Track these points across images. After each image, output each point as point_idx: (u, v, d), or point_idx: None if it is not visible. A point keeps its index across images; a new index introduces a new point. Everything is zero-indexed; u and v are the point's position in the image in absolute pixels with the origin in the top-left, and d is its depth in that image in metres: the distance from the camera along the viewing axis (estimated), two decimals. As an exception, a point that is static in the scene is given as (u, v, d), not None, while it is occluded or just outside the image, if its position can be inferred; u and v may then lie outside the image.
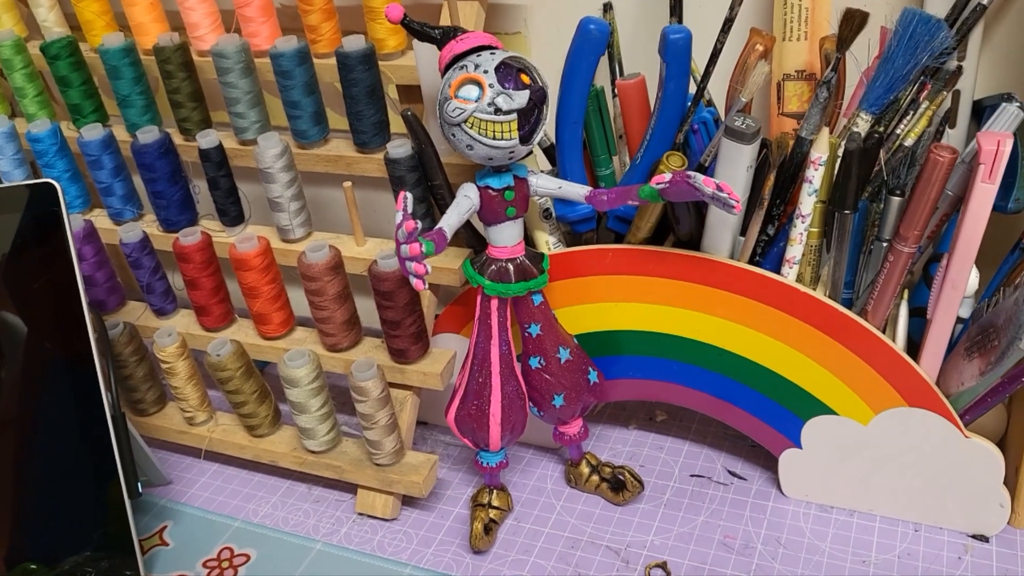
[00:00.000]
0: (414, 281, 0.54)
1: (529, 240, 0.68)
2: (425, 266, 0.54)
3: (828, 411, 0.64)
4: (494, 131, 0.56)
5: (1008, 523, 0.64)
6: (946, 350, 0.61)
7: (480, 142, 0.56)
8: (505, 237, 0.62)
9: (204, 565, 0.69)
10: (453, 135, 0.57)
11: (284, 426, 0.76)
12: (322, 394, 0.69)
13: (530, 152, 0.60)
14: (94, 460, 0.65)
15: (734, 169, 0.58)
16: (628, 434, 0.78)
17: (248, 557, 0.69)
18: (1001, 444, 0.66)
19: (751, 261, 0.64)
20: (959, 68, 0.61)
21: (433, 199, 0.68)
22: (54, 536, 0.65)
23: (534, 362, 0.65)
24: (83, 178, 0.81)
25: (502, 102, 0.55)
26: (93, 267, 0.75)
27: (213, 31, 0.75)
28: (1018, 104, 0.58)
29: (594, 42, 0.61)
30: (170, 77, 0.74)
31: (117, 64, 0.75)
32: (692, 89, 0.63)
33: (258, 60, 0.73)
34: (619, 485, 0.70)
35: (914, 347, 0.63)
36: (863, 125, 0.60)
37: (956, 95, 0.63)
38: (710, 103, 0.67)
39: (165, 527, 0.73)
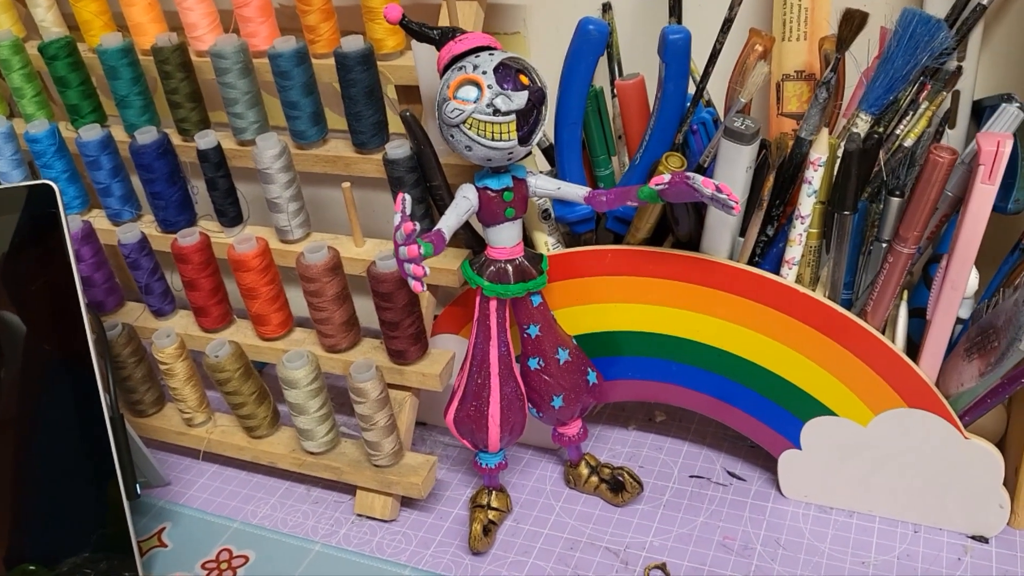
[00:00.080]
0: (412, 283, 0.54)
1: (528, 241, 0.68)
2: (423, 268, 0.53)
3: (827, 412, 0.64)
4: (493, 132, 0.55)
5: (1008, 524, 0.64)
6: (946, 351, 0.61)
7: (479, 143, 0.56)
8: (504, 238, 0.62)
9: (203, 567, 0.69)
10: (452, 136, 0.57)
11: (283, 427, 0.76)
12: (321, 395, 0.69)
13: (529, 153, 0.60)
14: (93, 461, 0.65)
15: (733, 170, 0.58)
16: (627, 435, 0.78)
17: (247, 558, 0.69)
18: (1001, 445, 0.66)
19: (750, 262, 0.64)
20: (959, 68, 0.60)
21: (432, 200, 0.68)
22: (53, 537, 0.65)
23: (533, 363, 0.65)
24: (81, 179, 0.80)
25: (501, 103, 0.55)
26: (91, 268, 0.75)
27: (211, 31, 0.75)
28: (1018, 104, 0.58)
29: (593, 43, 0.61)
30: (168, 77, 0.74)
31: (115, 64, 0.75)
32: (691, 89, 0.63)
33: (257, 60, 0.73)
34: (618, 486, 0.70)
35: (914, 348, 0.63)
36: (862, 126, 0.60)
37: (956, 95, 0.63)
38: (709, 103, 0.66)
39: (164, 528, 0.73)
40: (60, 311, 0.65)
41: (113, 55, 0.74)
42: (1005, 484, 0.62)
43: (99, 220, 0.79)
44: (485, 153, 0.57)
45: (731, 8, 0.61)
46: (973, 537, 0.64)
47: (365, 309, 0.72)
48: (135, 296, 0.79)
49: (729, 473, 0.72)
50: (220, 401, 0.75)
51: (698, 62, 0.64)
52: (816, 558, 0.64)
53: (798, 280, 0.63)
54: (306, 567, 0.68)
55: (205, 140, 0.72)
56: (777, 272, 0.63)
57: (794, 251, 0.61)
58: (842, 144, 0.59)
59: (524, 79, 0.56)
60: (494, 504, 0.69)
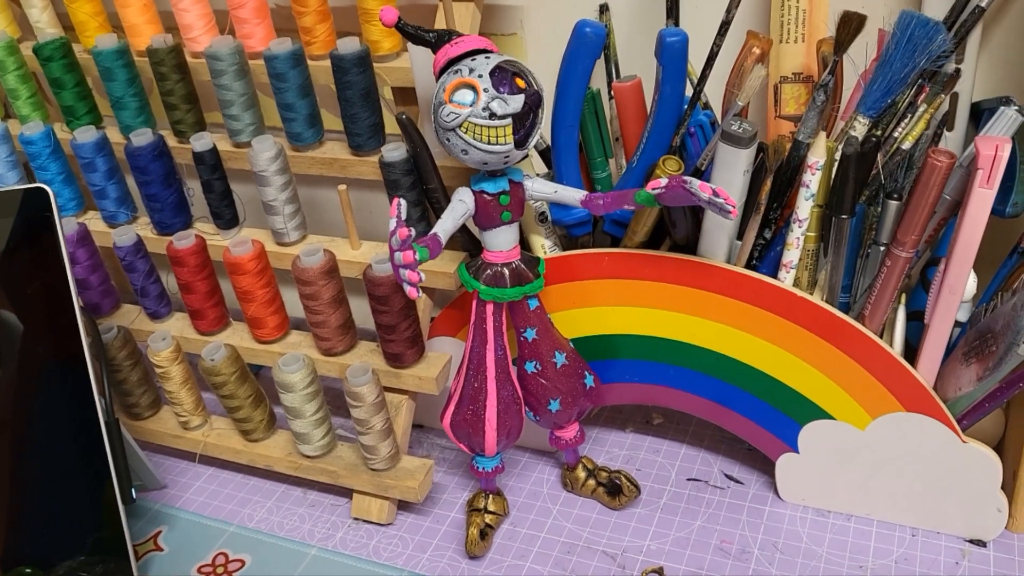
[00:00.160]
0: (408, 289, 0.54)
1: (525, 243, 0.68)
2: (419, 274, 0.53)
3: (825, 416, 0.64)
4: (489, 136, 0.55)
5: (1005, 528, 0.64)
6: (944, 355, 0.61)
7: (475, 147, 0.56)
8: (500, 242, 0.61)
9: (199, 571, 0.69)
10: (448, 140, 0.56)
11: (279, 430, 0.75)
12: (317, 399, 0.69)
13: (526, 156, 0.60)
14: (89, 465, 0.65)
15: (731, 173, 0.58)
16: (625, 437, 0.78)
17: (243, 563, 0.69)
18: (999, 448, 0.66)
19: (748, 265, 0.64)
20: (957, 71, 0.60)
21: (428, 203, 0.68)
22: (49, 540, 0.65)
23: (530, 367, 0.65)
24: (77, 180, 0.80)
25: (497, 107, 0.54)
26: (87, 270, 0.75)
27: (207, 32, 0.75)
28: (1016, 108, 0.58)
29: (590, 45, 0.60)
30: (164, 79, 0.74)
31: (110, 66, 0.74)
32: (689, 91, 0.63)
33: (253, 62, 0.72)
34: (615, 489, 0.70)
35: (912, 351, 0.63)
36: (860, 128, 0.59)
37: (954, 97, 0.63)
38: (707, 106, 0.66)
39: (160, 532, 0.73)
40: (55, 315, 0.64)
41: (108, 56, 0.74)
42: (1003, 488, 0.62)
43: (95, 222, 0.79)
44: (481, 157, 0.56)
45: (728, 11, 0.61)
46: (971, 541, 0.64)
47: (362, 310, 0.72)
48: (131, 298, 0.79)
49: (727, 476, 0.72)
50: (216, 404, 0.75)
51: (695, 64, 0.63)
52: (814, 562, 0.64)
53: (796, 283, 0.63)
54: (303, 571, 0.68)
55: (201, 143, 0.71)
56: (775, 276, 0.62)
57: (791, 255, 0.61)
58: (840, 147, 0.58)
59: (520, 82, 0.56)
60: (491, 508, 0.69)
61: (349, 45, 0.67)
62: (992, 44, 0.64)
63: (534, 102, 0.56)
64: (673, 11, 0.66)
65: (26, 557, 0.64)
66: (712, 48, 0.62)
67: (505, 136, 0.55)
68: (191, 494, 0.76)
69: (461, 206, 0.60)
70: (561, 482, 0.73)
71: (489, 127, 0.55)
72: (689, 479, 0.72)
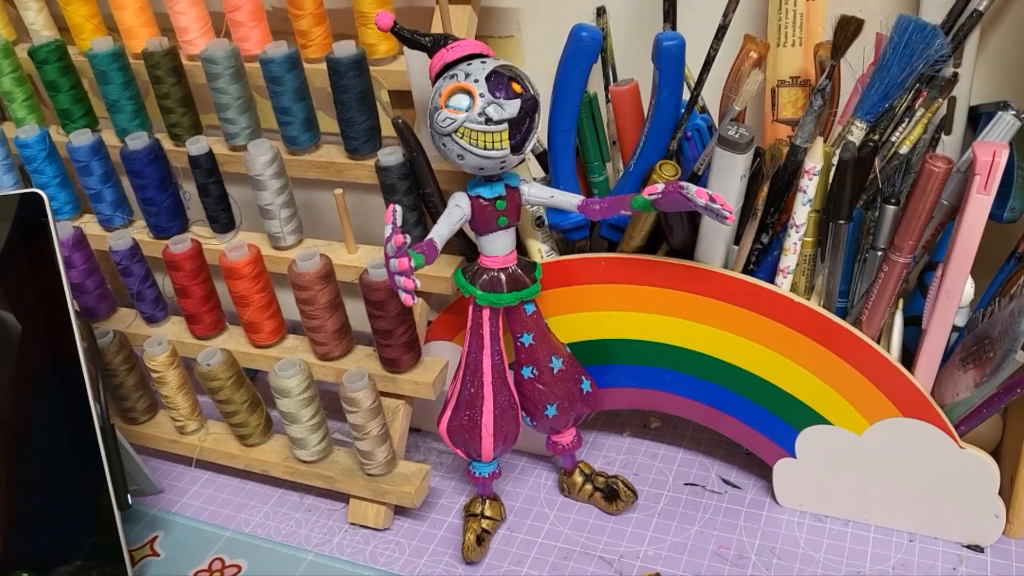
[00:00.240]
0: (403, 296, 0.53)
1: (522, 248, 0.68)
2: (414, 280, 0.53)
3: (822, 421, 0.64)
4: (485, 141, 0.55)
5: (1003, 533, 0.64)
6: (941, 360, 0.61)
7: (471, 152, 0.55)
8: (497, 247, 0.61)
9: (195, 576, 0.69)
10: (443, 145, 0.56)
11: (276, 435, 0.75)
12: (313, 404, 0.68)
13: (522, 160, 0.60)
14: (85, 469, 0.65)
15: (727, 178, 0.58)
16: (622, 441, 0.77)
17: (239, 568, 0.69)
18: (996, 452, 0.65)
19: (745, 269, 0.64)
20: (955, 75, 0.60)
21: (425, 207, 0.68)
22: (45, 545, 0.65)
23: (527, 372, 0.65)
24: (73, 184, 0.80)
25: (493, 112, 0.54)
26: (83, 274, 0.75)
27: (203, 35, 0.74)
28: (1014, 112, 0.57)
29: (586, 49, 0.60)
30: (159, 83, 0.73)
31: (106, 69, 0.74)
32: (686, 96, 0.63)
33: (249, 65, 0.72)
34: (613, 494, 0.69)
35: (909, 355, 0.63)
36: (858, 133, 0.59)
37: (952, 101, 0.63)
38: (704, 110, 0.66)
39: (156, 537, 0.72)
40: (51, 320, 0.64)
41: (104, 59, 0.74)
42: (1000, 493, 0.62)
43: (91, 226, 0.79)
44: (477, 162, 0.56)
45: (725, 15, 0.61)
46: (968, 546, 0.64)
47: (359, 314, 0.72)
48: (128, 302, 0.79)
49: (724, 481, 0.72)
50: (213, 408, 0.74)
51: (693, 67, 0.63)
52: (811, 567, 0.64)
53: (793, 289, 0.62)
54: (299, 576, 0.68)
55: (196, 146, 0.71)
56: (772, 280, 0.62)
57: (789, 260, 0.61)
58: (837, 152, 0.58)
59: (517, 87, 0.55)
60: (488, 513, 0.69)
61: (345, 48, 0.66)
62: (990, 48, 0.64)
63: (530, 107, 0.56)
64: (670, 14, 0.66)
65: (22, 561, 0.64)
66: (709, 52, 0.61)
67: (501, 141, 0.55)
68: (187, 499, 0.76)
69: (457, 211, 0.60)
70: (558, 487, 0.73)
71: (485, 132, 0.55)
72: (686, 484, 0.72)
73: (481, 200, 0.59)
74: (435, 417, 0.67)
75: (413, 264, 0.54)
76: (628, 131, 0.66)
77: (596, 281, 0.66)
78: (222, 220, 0.74)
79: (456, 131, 0.55)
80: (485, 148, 0.55)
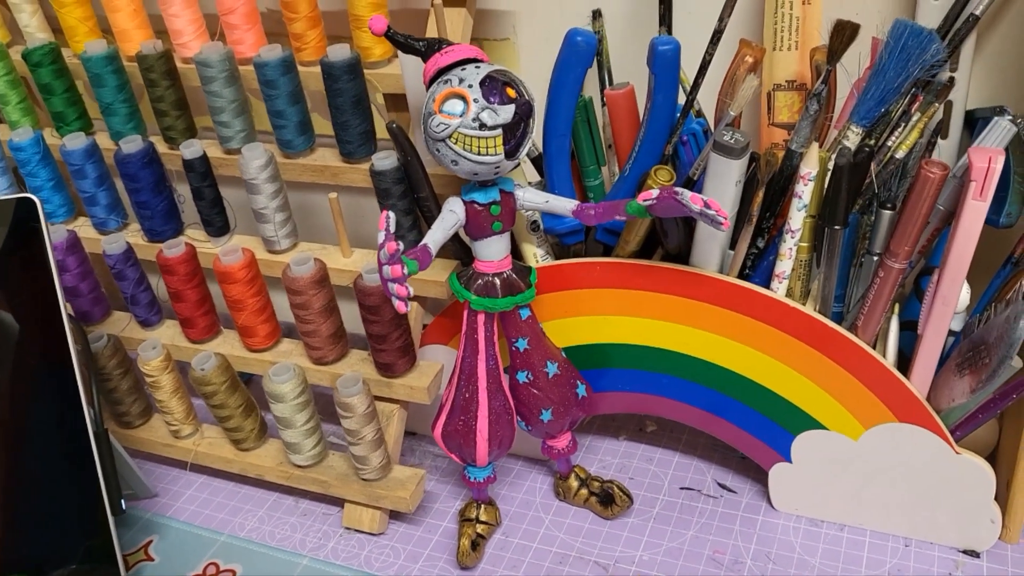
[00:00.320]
0: (396, 303, 0.53)
1: (517, 252, 0.68)
2: (407, 288, 0.53)
3: (818, 426, 0.64)
4: (479, 147, 0.55)
5: (999, 538, 0.64)
6: (937, 365, 0.61)
7: (465, 158, 0.55)
8: (492, 252, 0.61)
9: (189, 581, 0.68)
10: (438, 150, 0.56)
11: (270, 439, 0.75)
12: (307, 409, 0.68)
13: (517, 165, 0.59)
14: (79, 474, 0.64)
15: (723, 184, 0.58)
16: (618, 445, 0.77)
17: (234, 573, 0.69)
18: (992, 457, 0.65)
19: (741, 274, 0.63)
20: (951, 80, 0.60)
21: (420, 211, 0.68)
22: (40, 549, 0.65)
23: (521, 376, 0.65)
24: (67, 187, 0.80)
25: (487, 117, 0.54)
26: (77, 278, 0.74)
27: (197, 38, 0.74)
28: (1010, 118, 0.57)
29: (581, 54, 0.60)
30: (153, 85, 0.73)
31: (100, 72, 0.74)
32: (681, 99, 0.62)
33: (243, 68, 0.72)
34: (608, 499, 0.69)
35: (905, 360, 0.63)
36: (854, 138, 0.59)
37: (948, 106, 0.63)
38: (700, 114, 0.66)
39: (151, 541, 0.72)
40: (44, 324, 0.64)
41: (98, 62, 0.73)
42: (996, 499, 0.62)
43: (85, 229, 0.79)
44: (471, 168, 0.56)
45: (721, 19, 0.60)
46: (964, 552, 0.64)
47: (355, 317, 0.72)
48: (122, 305, 0.78)
49: (720, 485, 0.72)
50: (208, 412, 0.74)
51: (689, 71, 0.63)
52: (806, 572, 0.64)
53: (788, 294, 0.62)
54: (293, 581, 0.67)
55: (190, 150, 0.71)
56: (768, 285, 0.62)
57: (784, 265, 0.61)
58: (832, 158, 0.58)
59: (511, 92, 0.55)
60: (483, 518, 0.68)
61: (339, 52, 0.66)
62: (986, 52, 0.64)
63: (525, 112, 0.56)
64: (666, 18, 0.66)
65: (17, 565, 0.64)
66: (705, 56, 0.61)
67: (495, 147, 0.55)
68: (182, 503, 0.76)
69: (451, 216, 0.59)
70: (554, 491, 0.73)
71: (479, 138, 0.54)
72: (682, 488, 0.72)
73: (475, 205, 0.59)
74: (430, 421, 0.67)
75: (406, 271, 0.53)
76: (624, 135, 0.65)
77: (591, 285, 0.66)
78: (217, 224, 0.74)
79: (450, 136, 0.54)
80: (479, 154, 0.55)
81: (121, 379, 0.74)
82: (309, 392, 0.68)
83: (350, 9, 0.68)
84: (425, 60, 0.58)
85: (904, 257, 0.58)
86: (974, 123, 0.63)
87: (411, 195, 0.67)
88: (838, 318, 0.64)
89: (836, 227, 0.58)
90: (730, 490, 0.71)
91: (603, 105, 0.67)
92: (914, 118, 0.59)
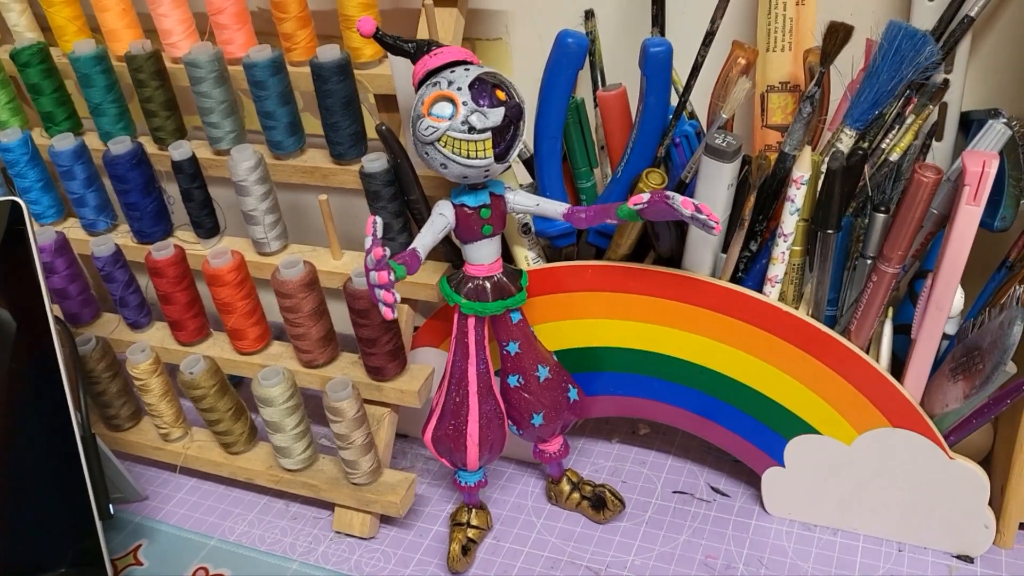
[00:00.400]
0: (383, 309, 0.53)
1: (508, 254, 0.67)
2: (393, 295, 0.52)
3: (811, 430, 0.63)
4: (468, 150, 0.54)
5: (993, 543, 0.63)
6: (931, 369, 0.60)
7: (454, 161, 0.55)
8: (482, 255, 0.60)
9: (179, 585, 0.68)
10: (426, 153, 0.55)
11: (260, 443, 0.74)
12: (297, 413, 0.68)
13: (507, 168, 0.59)
14: (66, 478, 0.64)
15: (715, 187, 0.57)
16: (611, 448, 0.77)
17: (223, 577, 0.68)
18: (987, 461, 0.65)
19: (734, 277, 0.63)
20: (945, 82, 0.59)
21: (410, 214, 0.67)
22: (27, 553, 0.64)
23: (513, 380, 0.64)
24: (56, 188, 0.79)
25: (476, 120, 0.53)
26: (66, 280, 0.74)
27: (187, 38, 0.73)
28: (1004, 121, 0.57)
29: (572, 55, 0.59)
30: (142, 86, 0.72)
31: (88, 72, 0.73)
32: (674, 101, 0.62)
33: (233, 68, 0.71)
34: (600, 503, 0.69)
35: (899, 364, 0.62)
36: (847, 141, 0.58)
37: (943, 107, 0.62)
38: (693, 115, 0.65)
39: (140, 546, 0.72)
40: (31, 328, 0.63)
41: (86, 63, 0.73)
42: (990, 504, 0.61)
43: (75, 230, 0.78)
44: (460, 171, 0.55)
45: (713, 21, 0.60)
46: (958, 557, 0.64)
47: (346, 318, 0.71)
48: (113, 306, 0.78)
49: (713, 489, 0.71)
50: (198, 415, 0.74)
51: (682, 72, 0.62)
52: (799, 578, 0.63)
53: (781, 298, 0.62)
54: (283, 586, 0.67)
55: (179, 151, 0.70)
56: (761, 288, 0.62)
57: (777, 269, 0.60)
58: (825, 161, 0.57)
59: (501, 94, 0.54)
60: (474, 522, 0.68)
61: (329, 52, 0.65)
62: (982, 53, 0.63)
63: (515, 115, 0.55)
64: (658, 19, 0.65)
65: (4, 570, 0.64)
66: (697, 58, 0.61)
67: (485, 150, 0.54)
68: (172, 506, 0.75)
69: (441, 220, 0.59)
70: (545, 495, 0.72)
71: (468, 141, 0.54)
72: (675, 491, 0.72)
73: (465, 208, 0.59)
74: (422, 423, 0.66)
75: (393, 277, 0.53)
76: (616, 136, 0.65)
77: (583, 289, 0.65)
78: (206, 225, 0.74)
79: (439, 140, 0.54)
80: (468, 157, 0.54)
81: (110, 382, 0.73)
82: (299, 396, 0.68)
83: (340, 9, 0.67)
84: (414, 62, 0.57)
85: (898, 261, 0.57)
86: (969, 125, 0.62)
87: (401, 197, 0.66)
88: (831, 322, 0.63)
89: (828, 231, 0.57)
90: (723, 494, 0.71)
91: (596, 106, 0.67)
92: (908, 120, 0.58)
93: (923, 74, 0.56)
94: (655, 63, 0.58)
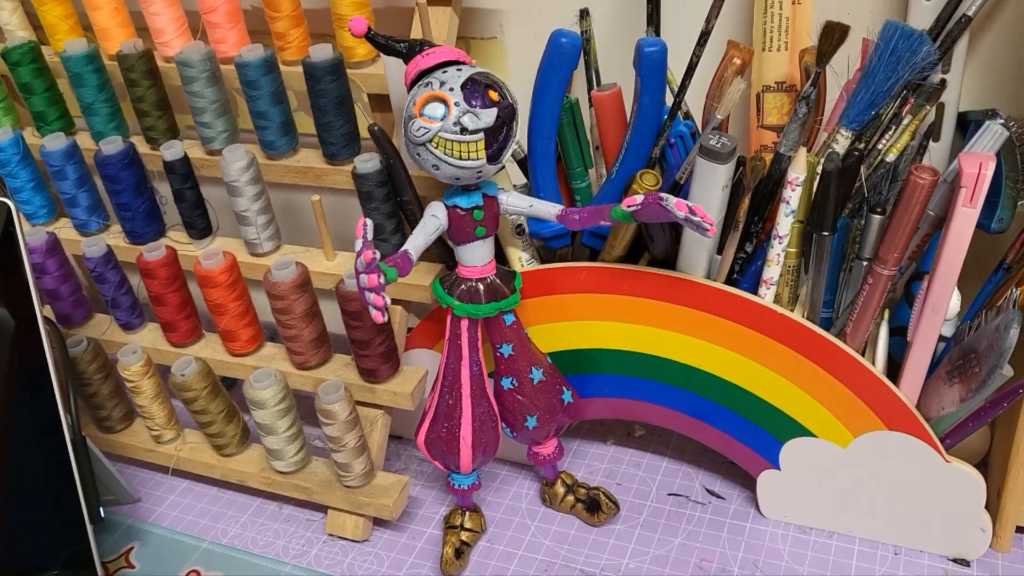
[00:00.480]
0: (373, 312, 0.52)
1: (502, 255, 0.67)
2: (384, 298, 0.52)
3: (807, 433, 0.63)
4: (460, 151, 0.54)
5: (990, 547, 0.63)
6: (928, 371, 0.60)
7: (446, 162, 0.54)
8: (475, 257, 0.60)
9: (170, 589, 0.68)
10: (418, 155, 0.55)
11: (253, 445, 0.74)
12: (289, 415, 0.67)
13: (500, 169, 0.58)
14: (57, 481, 0.64)
15: (709, 188, 0.57)
16: (606, 450, 0.76)
17: (215, 580, 0.68)
18: (983, 464, 0.65)
19: (729, 278, 0.62)
20: (943, 82, 0.59)
21: (403, 214, 0.67)
22: (19, 556, 0.64)
23: (506, 382, 0.64)
24: (48, 187, 0.78)
25: (468, 121, 0.53)
26: (57, 280, 0.73)
27: (179, 36, 0.73)
28: (1001, 121, 0.56)
29: (565, 55, 0.59)
30: (134, 85, 0.72)
31: (80, 71, 0.72)
32: (669, 101, 0.61)
33: (225, 67, 0.71)
34: (595, 506, 0.68)
35: (895, 367, 0.62)
36: (843, 142, 0.58)
37: (940, 108, 0.62)
38: (688, 115, 0.65)
39: (132, 548, 0.71)
40: (20, 330, 0.63)
41: (78, 62, 0.72)
42: (987, 507, 0.61)
43: (66, 230, 0.77)
44: (453, 172, 0.55)
45: (708, 20, 0.59)
46: (954, 560, 0.63)
47: (339, 319, 0.70)
48: (104, 307, 0.77)
49: (708, 491, 0.71)
50: (190, 416, 0.73)
51: (677, 71, 0.62)
52: (794, 581, 0.63)
53: (776, 300, 0.61)
54: (276, 589, 0.67)
55: (171, 151, 0.70)
56: (756, 290, 0.61)
57: (772, 271, 0.60)
58: (821, 162, 0.57)
59: (493, 95, 0.54)
60: (467, 525, 0.68)
61: (322, 52, 0.65)
62: (979, 53, 0.62)
63: (507, 115, 0.55)
64: (653, 18, 0.65)
65: (-4, 572, 0.63)
66: (691, 59, 0.60)
67: (477, 151, 0.54)
68: (164, 508, 0.75)
69: (433, 221, 0.58)
70: (540, 497, 0.72)
71: (460, 142, 0.53)
72: (670, 494, 0.71)
73: (458, 210, 0.58)
74: (415, 425, 0.66)
75: (383, 280, 0.52)
76: (611, 136, 0.64)
77: (577, 291, 0.65)
78: (198, 226, 0.73)
79: (431, 141, 0.53)
80: (460, 158, 0.54)
81: (102, 383, 0.73)
82: (291, 398, 0.67)
83: (333, 8, 0.67)
84: (406, 62, 0.56)
85: (894, 263, 0.57)
86: (966, 125, 0.62)
87: (394, 198, 0.66)
88: (827, 324, 0.63)
89: (824, 233, 0.57)
90: (718, 496, 0.70)
91: (590, 106, 0.66)
92: (905, 121, 0.58)
93: (920, 74, 0.56)
94: (650, 63, 0.57)
